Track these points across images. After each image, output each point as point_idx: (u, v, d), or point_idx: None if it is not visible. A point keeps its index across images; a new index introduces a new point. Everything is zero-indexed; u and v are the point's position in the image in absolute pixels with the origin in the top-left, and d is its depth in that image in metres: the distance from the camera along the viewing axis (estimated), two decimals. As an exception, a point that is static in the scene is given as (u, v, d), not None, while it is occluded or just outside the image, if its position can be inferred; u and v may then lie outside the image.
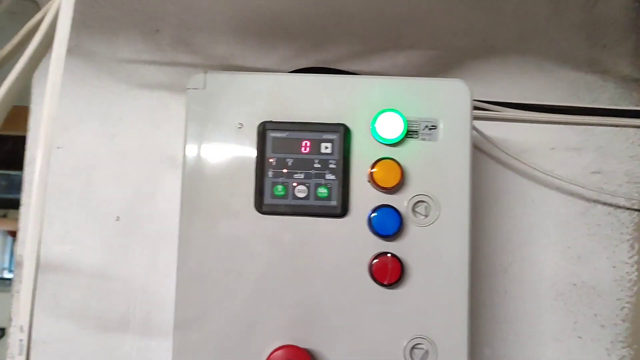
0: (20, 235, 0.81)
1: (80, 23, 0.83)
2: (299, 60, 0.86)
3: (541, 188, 0.84)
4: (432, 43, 0.86)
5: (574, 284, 0.83)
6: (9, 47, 0.61)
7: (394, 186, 0.62)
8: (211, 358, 0.62)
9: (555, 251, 0.83)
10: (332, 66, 0.85)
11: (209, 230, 0.63)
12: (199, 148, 0.64)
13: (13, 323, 0.80)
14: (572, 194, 0.84)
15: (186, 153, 0.64)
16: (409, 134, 0.64)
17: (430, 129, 0.64)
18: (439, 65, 0.86)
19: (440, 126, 0.64)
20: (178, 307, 0.63)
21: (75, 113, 0.83)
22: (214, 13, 0.86)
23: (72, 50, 0.84)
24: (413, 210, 0.63)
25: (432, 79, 0.65)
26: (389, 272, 0.61)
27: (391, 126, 0.63)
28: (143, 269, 0.81)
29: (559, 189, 0.84)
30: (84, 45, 0.84)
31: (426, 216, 0.64)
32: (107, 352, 0.80)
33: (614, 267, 0.83)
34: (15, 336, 0.80)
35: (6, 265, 3.74)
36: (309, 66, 0.84)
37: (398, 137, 0.63)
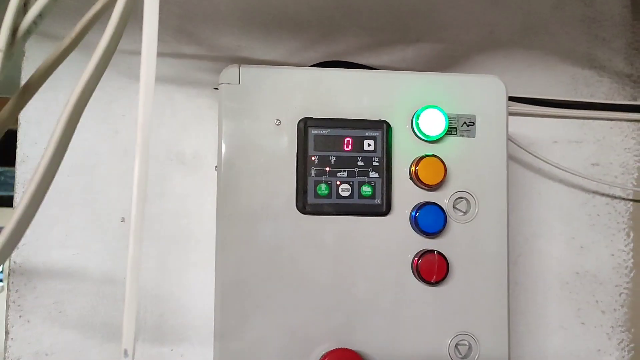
0: (14, 240, 0.75)
1: (75, 12, 0.77)
2: (308, 53, 0.83)
3: (546, 181, 0.87)
4: (438, 36, 0.86)
5: (577, 273, 0.86)
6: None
7: (437, 183, 0.62)
8: (254, 365, 0.60)
9: (560, 242, 0.86)
10: (342, 59, 0.84)
11: (248, 234, 0.60)
12: (235, 146, 0.61)
13: (11, 336, 0.74)
14: (573, 185, 0.87)
15: (222, 152, 0.61)
16: (448, 131, 0.63)
17: (468, 125, 0.64)
18: (446, 59, 0.86)
19: (478, 122, 0.64)
20: (218, 316, 0.60)
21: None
22: (217, 2, 0.82)
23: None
24: (453, 207, 0.63)
25: (468, 75, 0.65)
26: (435, 270, 0.61)
27: (433, 123, 0.62)
28: (152, 272, 0.77)
29: (562, 182, 0.87)
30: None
31: (465, 213, 0.64)
32: (115, 362, 0.75)
33: (612, 255, 0.87)
34: (14, 349, 0.74)
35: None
36: (321, 60, 0.82)
37: (440, 133, 0.62)
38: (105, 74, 0.76)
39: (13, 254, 0.74)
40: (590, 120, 0.88)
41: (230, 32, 0.81)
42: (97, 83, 0.42)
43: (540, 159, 0.83)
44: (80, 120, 0.75)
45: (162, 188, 0.78)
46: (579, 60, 0.89)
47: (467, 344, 0.63)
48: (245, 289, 0.60)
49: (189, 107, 0.80)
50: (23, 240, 0.75)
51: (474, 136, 0.64)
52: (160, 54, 0.80)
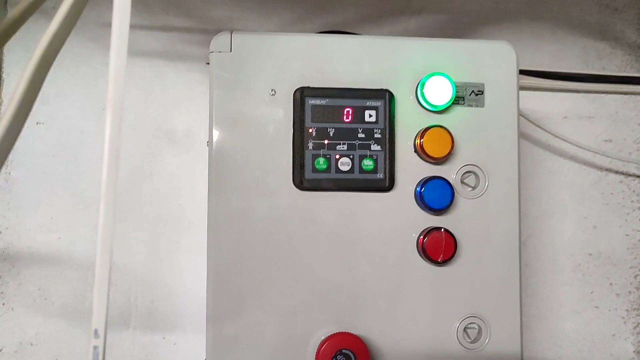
0: (-5, 224, 0.71)
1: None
2: (304, 24, 0.79)
3: (556, 158, 0.82)
4: (442, 6, 0.82)
5: (590, 254, 0.82)
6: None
7: (444, 156, 0.57)
8: (250, 353, 0.56)
9: (572, 222, 0.82)
10: (340, 30, 0.79)
11: (242, 212, 0.56)
12: (227, 118, 0.57)
13: (-7, 325, 0.70)
14: (585, 163, 0.83)
15: (213, 124, 0.56)
16: (455, 100, 0.59)
17: (476, 94, 0.60)
18: (450, 30, 0.82)
19: (487, 91, 0.60)
20: (210, 300, 0.56)
21: (57, 85, 0.73)
22: (209, -28, 0.77)
23: (50, 13, 0.73)
24: (461, 181, 0.59)
25: (476, 41, 0.61)
26: (443, 249, 0.57)
27: (439, 91, 0.58)
28: (143, 256, 0.73)
29: (573, 159, 0.83)
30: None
31: (474, 188, 0.59)
32: (106, 351, 0.71)
33: (626, 235, 0.83)
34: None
35: None
36: (318, 31, 0.78)
37: (446, 103, 0.58)
38: (89, 48, 0.72)
39: (-5, 239, 0.71)
40: (603, 95, 0.84)
41: (222, 3, 0.77)
42: (68, 32, 0.38)
43: (551, 133, 0.79)
44: (63, 97, 0.71)
45: (151, 168, 0.74)
46: (590, 32, 0.84)
47: (477, 327, 0.59)
48: (239, 271, 0.56)
49: (179, 83, 0.75)
50: (6, 224, 0.71)
51: (482, 106, 0.60)
52: (148, 27, 0.76)
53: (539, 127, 0.79)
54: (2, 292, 0.70)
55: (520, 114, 0.76)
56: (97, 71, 0.74)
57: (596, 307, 0.81)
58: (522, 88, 0.79)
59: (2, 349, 0.70)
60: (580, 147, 0.81)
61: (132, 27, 0.72)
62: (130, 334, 0.72)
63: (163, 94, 0.75)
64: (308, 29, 0.79)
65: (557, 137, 0.80)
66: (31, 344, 0.70)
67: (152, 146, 0.74)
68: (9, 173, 0.71)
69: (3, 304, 0.70)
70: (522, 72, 0.81)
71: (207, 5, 0.77)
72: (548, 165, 0.82)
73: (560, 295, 0.81)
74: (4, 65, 0.72)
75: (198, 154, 0.74)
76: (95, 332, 0.31)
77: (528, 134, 0.82)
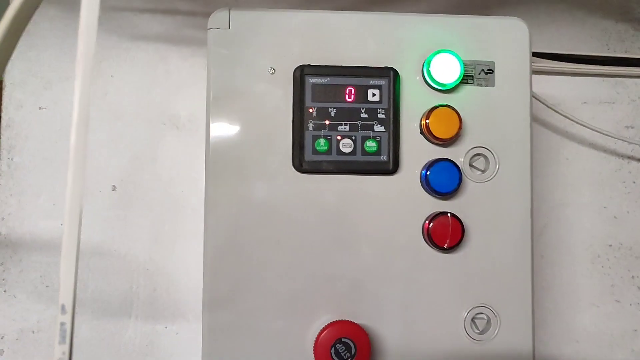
0: (-2, 210, 0.70)
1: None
2: (310, 7, 0.77)
3: (574, 145, 0.79)
4: (455, -12, 0.79)
5: (610, 246, 0.78)
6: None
7: (451, 137, 0.55)
8: (247, 341, 0.54)
9: (591, 211, 0.78)
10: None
11: (240, 194, 0.54)
12: (225, 98, 0.55)
13: (-5, 311, 0.69)
14: (605, 150, 0.79)
15: (210, 103, 0.55)
16: (464, 79, 0.56)
17: (486, 73, 0.57)
18: (464, 11, 0.78)
19: (497, 70, 0.57)
20: (207, 285, 0.54)
21: (60, 69, 0.72)
22: (214, -47, 0.76)
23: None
24: (470, 164, 0.56)
25: (486, 18, 0.58)
26: (449, 234, 0.54)
27: (447, 69, 0.55)
28: (145, 243, 0.71)
29: (592, 145, 0.79)
30: (64, -11, 0.73)
31: (484, 171, 0.57)
32: (107, 340, 0.70)
33: (649, 226, 0.79)
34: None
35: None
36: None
37: (454, 81, 0.55)
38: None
39: (-3, 225, 0.70)
40: (625, 78, 0.80)
41: (227, -14, 0.75)
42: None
43: (570, 119, 0.75)
44: (66, 81, 0.70)
45: (154, 153, 0.72)
46: (611, 13, 0.81)
47: (486, 317, 0.56)
48: (237, 255, 0.54)
49: (183, 67, 0.74)
50: (8, 210, 0.70)
51: (493, 85, 0.57)
52: (151, 10, 0.74)
53: (557, 112, 0.75)
54: (4, 279, 0.69)
55: (537, 99, 0.73)
56: (100, 55, 0.72)
57: (617, 300, 0.78)
58: (538, 72, 0.76)
59: (3, 337, 0.69)
60: (601, 133, 0.77)
61: (136, 10, 0.71)
62: (132, 322, 0.71)
63: (167, 79, 0.73)
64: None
65: (575, 122, 0.76)
66: (32, 332, 0.69)
67: (155, 131, 0.73)
68: (11, 159, 0.70)
69: (5, 290, 0.69)
70: (539, 55, 0.78)
71: (212, -12, 0.75)
72: (565, 153, 0.78)
73: (578, 288, 0.77)
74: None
75: (202, 139, 0.72)
76: (63, 307, 0.29)
77: (544, 119, 0.78)
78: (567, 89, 0.79)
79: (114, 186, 0.71)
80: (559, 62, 0.78)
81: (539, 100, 0.74)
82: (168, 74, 0.74)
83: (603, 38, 0.80)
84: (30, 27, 0.71)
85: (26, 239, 0.70)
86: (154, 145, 0.72)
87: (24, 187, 0.70)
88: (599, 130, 0.76)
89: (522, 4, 0.79)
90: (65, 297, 0.30)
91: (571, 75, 0.79)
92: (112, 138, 0.72)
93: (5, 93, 0.71)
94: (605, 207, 0.78)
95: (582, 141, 0.79)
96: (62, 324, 0.29)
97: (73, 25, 0.73)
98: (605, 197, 0.78)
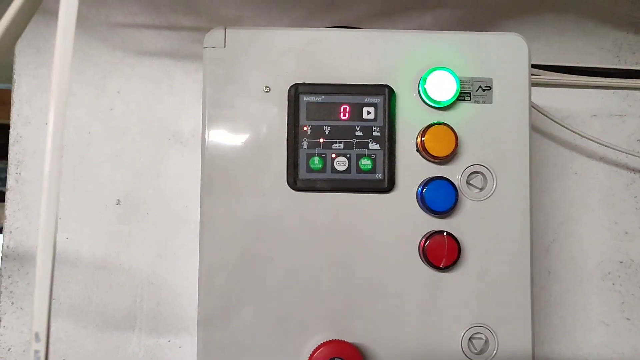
0: (6, 224, 0.72)
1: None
2: (315, 23, 0.77)
3: (583, 159, 0.77)
4: (460, 1, 0.78)
5: (622, 262, 0.76)
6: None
7: (447, 155, 0.54)
8: (241, 358, 0.54)
9: (601, 227, 0.76)
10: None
11: (235, 212, 0.55)
12: (220, 116, 0.55)
13: (2, 324, 0.71)
14: (616, 164, 0.77)
15: (205, 121, 0.55)
16: (461, 96, 0.56)
17: (484, 90, 0.56)
18: (469, 25, 0.78)
19: (495, 87, 0.56)
20: (202, 301, 0.54)
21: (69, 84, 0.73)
22: (219, -30, 0.76)
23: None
24: (467, 182, 0.56)
25: (484, 34, 0.57)
26: (445, 253, 0.54)
27: (442, 86, 0.54)
28: (149, 257, 0.72)
29: (602, 160, 0.77)
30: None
31: (482, 189, 0.56)
32: (110, 353, 0.71)
33: (662, 242, 0.77)
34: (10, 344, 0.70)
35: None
36: (332, 26, 0.76)
37: (450, 99, 0.55)
38: (97, 47, 0.72)
39: (6, 238, 0.71)
40: (636, 91, 0.78)
41: (232, 1, 0.76)
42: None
43: (578, 133, 0.74)
44: (72, 97, 0.72)
45: (158, 169, 0.73)
46: (621, 24, 0.79)
47: (484, 337, 0.55)
48: (231, 272, 0.54)
49: (188, 83, 0.75)
50: (16, 224, 0.72)
51: (490, 102, 0.56)
52: (156, 26, 0.75)
53: (564, 126, 0.74)
54: (11, 292, 0.71)
55: (543, 112, 0.72)
56: (106, 70, 0.74)
57: (627, 319, 0.76)
58: (545, 85, 0.75)
59: (10, 348, 0.70)
60: (611, 148, 0.75)
61: (141, 26, 0.72)
62: (135, 336, 0.71)
63: (171, 94, 0.74)
64: (319, 26, 0.77)
65: (584, 137, 0.75)
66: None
67: (159, 147, 0.73)
68: (19, 173, 0.72)
69: (12, 303, 0.71)
70: (546, 68, 0.77)
71: (216, 4, 0.76)
72: (574, 167, 0.77)
73: (587, 305, 0.76)
74: (16, 66, 0.73)
75: (205, 154, 0.73)
76: (37, 335, 0.30)
77: (552, 133, 0.77)
78: (576, 102, 0.78)
79: (118, 200, 0.72)
80: (567, 75, 0.77)
81: (546, 115, 0.73)
82: (172, 89, 0.74)
83: (613, 49, 0.79)
84: (40, 44, 0.72)
85: (33, 252, 0.71)
86: (158, 161, 0.73)
87: (31, 201, 0.72)
88: (608, 144, 0.74)
89: (530, 17, 0.78)
90: (38, 325, 0.30)
91: (580, 88, 0.78)
92: (116, 153, 0.73)
93: (13, 109, 0.73)
94: (616, 223, 0.77)
95: (591, 155, 0.77)
96: (36, 351, 0.30)
97: (81, 42, 0.74)
98: (616, 212, 0.77)
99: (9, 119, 0.73)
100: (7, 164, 0.72)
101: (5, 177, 0.72)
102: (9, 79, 0.74)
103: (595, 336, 0.75)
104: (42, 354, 0.29)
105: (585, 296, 0.76)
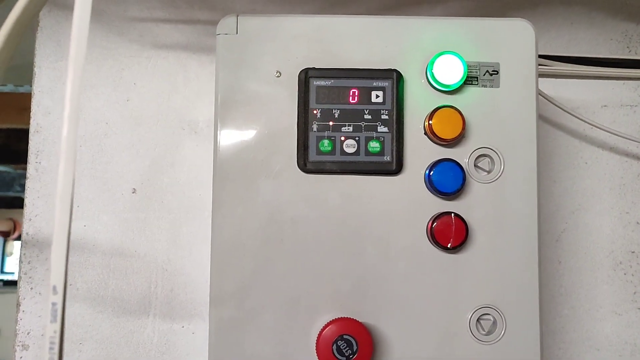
0: (26, 211, 0.74)
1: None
2: (324, 13, 0.78)
3: (594, 149, 0.78)
4: (471, -6, 0.79)
5: (633, 252, 0.76)
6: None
7: (454, 138, 0.55)
8: (252, 337, 0.55)
9: (612, 217, 0.77)
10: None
11: (246, 194, 0.56)
12: (232, 100, 0.57)
13: (22, 309, 0.73)
14: (627, 154, 0.77)
15: (218, 105, 0.57)
16: (468, 80, 0.57)
17: (491, 74, 0.57)
18: (479, 16, 0.78)
19: (502, 71, 0.57)
20: (214, 281, 0.56)
21: (85, 77, 0.75)
22: (233, -35, 0.78)
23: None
24: (475, 165, 0.57)
25: (491, 19, 0.58)
26: (452, 234, 0.54)
27: (450, 70, 0.55)
28: (164, 244, 0.74)
29: (612, 149, 0.78)
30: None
31: (489, 172, 0.57)
32: (125, 337, 0.72)
33: (674, 232, 0.77)
34: (24, 336, 0.72)
35: (-4, 266, 3.63)
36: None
37: (457, 82, 0.56)
38: (115, 41, 0.74)
39: (26, 225, 0.73)
40: (647, 81, 0.79)
41: (245, -5, 0.78)
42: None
43: (589, 123, 0.74)
44: (90, 88, 0.74)
45: (173, 158, 0.75)
46: (632, 15, 0.79)
47: (492, 318, 0.55)
48: (242, 253, 0.56)
49: (203, 74, 0.76)
50: (35, 211, 0.74)
51: (498, 86, 0.57)
52: (172, 20, 0.77)
53: (575, 115, 0.75)
54: (30, 277, 0.73)
55: (554, 103, 0.73)
56: (123, 63, 0.76)
57: (639, 309, 0.75)
58: (555, 75, 0.76)
59: (29, 332, 0.72)
60: (622, 137, 0.76)
61: (157, 20, 0.74)
62: (150, 321, 0.73)
63: (186, 86, 0.76)
64: (331, 19, 0.78)
65: (595, 126, 0.75)
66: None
67: (174, 137, 0.75)
68: (39, 162, 0.74)
69: (31, 288, 0.73)
70: (556, 59, 0.77)
71: (230, -1, 0.78)
72: (585, 157, 0.77)
73: (598, 295, 0.75)
74: (36, 59, 0.75)
75: (219, 144, 0.75)
76: (54, 288, 0.31)
77: (562, 123, 0.77)
78: (586, 93, 0.78)
79: (134, 189, 0.74)
80: (578, 65, 0.77)
81: (556, 105, 0.73)
82: (188, 81, 0.76)
83: (624, 40, 0.79)
84: (60, 38, 0.75)
85: (52, 239, 0.73)
86: (173, 150, 0.75)
87: (50, 189, 0.74)
88: (618, 133, 0.74)
89: (540, 8, 0.79)
90: (56, 279, 0.31)
91: (591, 79, 0.78)
92: (133, 143, 0.75)
93: (34, 101, 0.75)
94: (627, 213, 0.77)
95: (602, 145, 0.77)
96: (54, 303, 0.31)
97: (99, 35, 0.76)
98: (627, 202, 0.77)
99: (12, 122, 0.75)
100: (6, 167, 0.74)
101: (24, 184, 0.74)
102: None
103: (606, 326, 0.75)
104: (59, 306, 0.31)
105: (596, 286, 0.76)
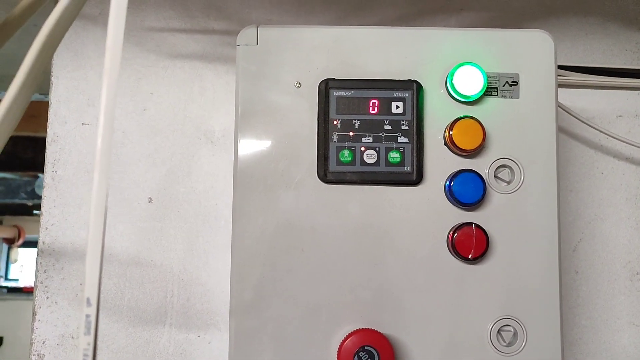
0: (42, 220, 0.74)
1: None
2: (339, 24, 0.79)
3: (609, 159, 0.78)
4: (485, 4, 0.79)
5: (650, 262, 0.76)
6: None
7: (474, 148, 0.55)
8: (272, 347, 0.55)
9: (628, 227, 0.76)
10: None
11: (267, 204, 0.56)
12: (252, 111, 0.57)
13: (37, 318, 0.73)
14: (643, 164, 0.77)
15: (238, 116, 0.57)
16: (487, 91, 0.57)
17: (510, 85, 0.57)
18: (494, 27, 0.79)
19: (522, 82, 0.57)
20: (234, 291, 0.55)
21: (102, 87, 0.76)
22: (248, -24, 0.79)
23: (96, 18, 0.77)
24: (495, 176, 0.57)
25: (511, 30, 0.58)
26: (473, 245, 0.54)
27: (470, 81, 0.55)
28: (180, 253, 0.74)
29: (628, 160, 0.77)
30: (108, 13, 0.77)
31: (509, 182, 0.57)
32: (141, 347, 0.72)
33: (691, 243, 0.76)
34: (40, 345, 0.72)
35: (1, 273, 3.64)
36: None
37: (477, 93, 0.56)
38: (132, 51, 0.74)
39: (42, 234, 0.73)
40: (662, 92, 0.79)
41: (261, 6, 0.78)
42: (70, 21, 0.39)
43: (604, 133, 0.75)
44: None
45: (189, 167, 0.75)
46: (647, 25, 0.80)
47: (513, 330, 0.55)
48: (263, 262, 0.56)
49: (219, 84, 0.77)
50: (52, 220, 0.74)
51: (517, 97, 0.57)
52: (189, 30, 0.78)
53: (591, 126, 0.75)
54: (46, 286, 0.73)
55: (570, 113, 0.73)
56: (140, 73, 0.76)
57: (657, 320, 0.75)
58: (570, 86, 0.76)
59: (44, 341, 0.72)
60: (638, 147, 0.75)
61: (173, 30, 0.75)
62: (166, 331, 0.73)
63: (202, 95, 0.76)
64: (346, 29, 0.78)
65: (610, 136, 0.75)
66: (72, 337, 0.72)
67: (190, 146, 0.75)
68: (56, 172, 0.74)
69: (47, 297, 0.73)
70: (571, 69, 0.77)
71: (246, 9, 0.78)
72: (601, 167, 0.77)
73: (615, 305, 0.75)
74: (53, 69, 0.76)
75: (235, 153, 0.75)
76: (88, 300, 0.31)
77: (578, 133, 0.77)
78: (601, 103, 0.79)
79: (150, 198, 0.74)
80: (592, 76, 0.78)
81: (572, 115, 0.73)
82: (204, 90, 0.76)
83: (638, 51, 0.79)
84: (78, 47, 0.75)
85: (68, 248, 0.73)
86: (189, 159, 0.75)
87: (67, 198, 0.74)
88: (634, 143, 0.74)
89: (554, 19, 0.79)
90: (90, 291, 0.31)
91: (606, 89, 0.78)
92: (149, 152, 0.75)
93: (51, 110, 0.75)
94: (643, 223, 0.76)
95: (617, 155, 0.77)
96: (87, 315, 0.31)
97: (115, 46, 0.76)
98: (644, 212, 0.77)
99: (37, 131, 0.76)
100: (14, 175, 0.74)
101: (33, 190, 0.74)
102: (45, 89, 0.77)
103: (624, 337, 0.75)
104: (92, 318, 0.31)
105: (613, 296, 0.75)
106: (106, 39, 0.33)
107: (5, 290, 3.53)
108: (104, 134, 0.32)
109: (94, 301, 0.31)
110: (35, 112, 0.77)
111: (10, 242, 3.50)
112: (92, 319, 0.31)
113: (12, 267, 3.74)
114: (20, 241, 3.46)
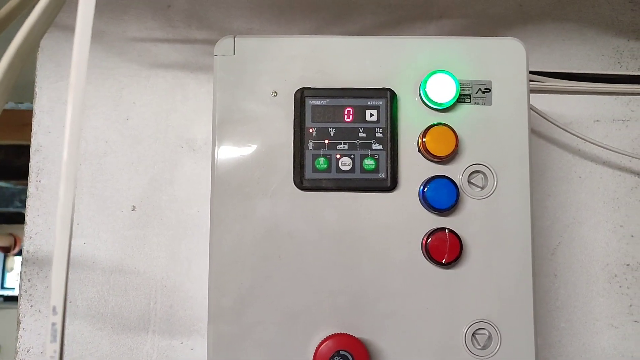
0: (26, 229, 0.74)
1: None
2: (323, 34, 0.80)
3: (587, 163, 0.79)
4: (463, 11, 0.81)
5: (628, 265, 0.77)
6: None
7: (448, 155, 0.56)
8: (251, 352, 0.56)
9: (606, 230, 0.77)
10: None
11: (244, 211, 0.57)
12: (230, 120, 0.58)
13: (22, 326, 0.73)
14: (620, 168, 0.78)
15: (216, 125, 0.58)
16: (460, 98, 0.58)
17: (483, 92, 0.58)
18: (472, 34, 0.80)
19: (494, 89, 0.58)
20: (212, 298, 0.56)
21: (85, 97, 0.77)
22: (230, -14, 0.80)
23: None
24: (468, 181, 0.57)
25: (483, 38, 0.59)
26: (447, 250, 0.55)
27: (442, 89, 0.56)
28: (163, 261, 0.75)
29: (606, 164, 0.79)
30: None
31: (482, 188, 0.58)
32: (125, 354, 0.73)
33: (668, 245, 0.77)
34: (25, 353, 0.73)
35: (-4, 282, 3.63)
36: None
37: (450, 100, 0.57)
38: (115, 61, 0.75)
39: (26, 243, 0.74)
40: (638, 96, 0.80)
41: (242, 15, 0.79)
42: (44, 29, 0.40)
43: (582, 138, 0.76)
44: (90, 108, 0.75)
45: (172, 175, 0.76)
46: (623, 31, 0.81)
47: (487, 333, 0.56)
48: (240, 269, 0.56)
49: (200, 93, 0.78)
50: (35, 229, 0.74)
51: (490, 104, 0.58)
52: (170, 40, 0.78)
53: (568, 131, 0.76)
54: (30, 295, 0.73)
55: (547, 119, 0.74)
56: (122, 83, 0.77)
57: (635, 321, 0.76)
58: (547, 91, 0.77)
59: (29, 350, 0.73)
60: (615, 152, 0.77)
61: (155, 40, 0.76)
62: (149, 337, 0.73)
63: (184, 104, 0.77)
64: (327, 38, 0.79)
65: (588, 141, 0.76)
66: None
67: (173, 154, 0.76)
68: (40, 181, 0.75)
69: (31, 306, 0.73)
70: (548, 75, 0.78)
71: (227, 18, 0.79)
72: (578, 171, 0.78)
73: (594, 308, 0.76)
74: (37, 79, 0.76)
75: (217, 161, 0.76)
76: (54, 309, 0.32)
77: (556, 138, 0.78)
78: (579, 108, 0.80)
79: (133, 206, 0.75)
80: (570, 81, 0.79)
81: (549, 120, 0.74)
82: (186, 99, 0.77)
83: (615, 56, 0.80)
84: (60, 59, 0.76)
85: (51, 256, 0.73)
86: (171, 168, 0.76)
87: (50, 207, 0.74)
88: (611, 148, 0.75)
89: (531, 25, 0.81)
90: (56, 300, 0.32)
91: (583, 94, 0.79)
92: (132, 161, 0.76)
93: (35, 120, 0.76)
94: (621, 226, 0.77)
95: (595, 159, 0.78)
96: (53, 324, 0.32)
97: (99, 56, 0.78)
98: (622, 215, 0.78)
99: (30, 140, 0.76)
100: (26, 186, 0.75)
101: (24, 200, 0.75)
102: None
103: (603, 339, 0.76)
104: (58, 326, 0.31)
105: (592, 299, 0.76)
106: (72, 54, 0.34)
107: (1, 299, 3.52)
108: (69, 149, 0.32)
109: (60, 310, 0.32)
110: (28, 120, 0.78)
111: (6, 250, 3.49)
112: (58, 327, 0.31)
113: (8, 275, 3.73)
114: (16, 250, 3.45)
